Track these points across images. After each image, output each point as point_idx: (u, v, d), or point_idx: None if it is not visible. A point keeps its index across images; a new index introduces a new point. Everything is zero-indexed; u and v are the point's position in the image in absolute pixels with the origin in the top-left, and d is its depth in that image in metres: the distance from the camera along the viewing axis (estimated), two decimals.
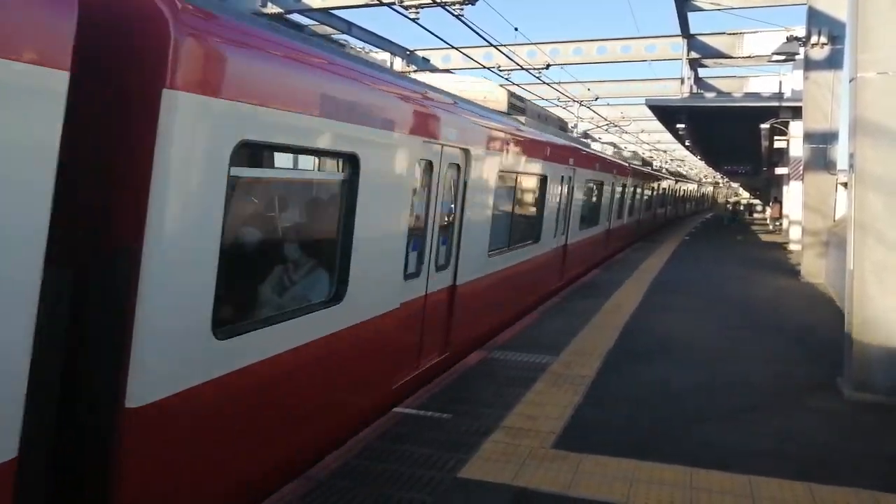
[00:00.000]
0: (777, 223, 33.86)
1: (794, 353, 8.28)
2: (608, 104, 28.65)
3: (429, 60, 19.99)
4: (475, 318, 8.17)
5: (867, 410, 6.17)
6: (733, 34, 20.99)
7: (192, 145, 3.55)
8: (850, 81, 6.87)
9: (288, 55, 4.37)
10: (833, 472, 4.77)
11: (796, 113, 18.25)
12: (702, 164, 57.03)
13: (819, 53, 14.16)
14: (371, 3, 12.19)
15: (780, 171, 26.54)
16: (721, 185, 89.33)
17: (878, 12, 6.57)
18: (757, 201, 68.63)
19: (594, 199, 16.32)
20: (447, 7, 9.71)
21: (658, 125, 29.46)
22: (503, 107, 9.74)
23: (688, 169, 59.65)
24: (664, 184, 33.89)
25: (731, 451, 5.09)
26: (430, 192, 6.66)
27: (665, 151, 46.28)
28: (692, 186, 58.82)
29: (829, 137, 14.58)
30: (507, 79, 16.48)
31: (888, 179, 6.46)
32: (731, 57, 21.58)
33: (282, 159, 4.79)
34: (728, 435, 5.45)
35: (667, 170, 42.36)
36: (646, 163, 30.02)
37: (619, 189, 19.17)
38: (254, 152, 4.23)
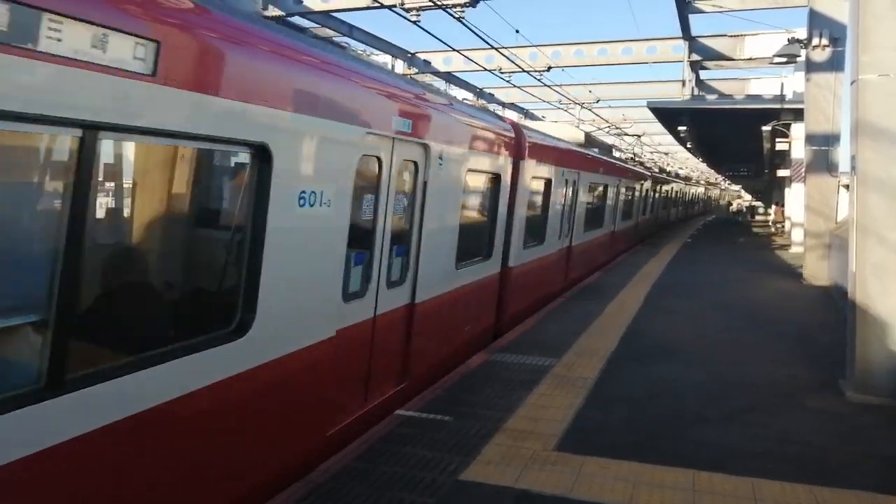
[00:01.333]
0: (779, 226, 33.84)
1: (796, 354, 8.27)
2: (609, 106, 28.60)
3: (430, 63, 20.00)
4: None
5: (869, 412, 6.17)
6: (734, 36, 20.96)
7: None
8: (852, 84, 6.87)
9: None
10: (835, 475, 4.77)
11: (798, 115, 18.25)
12: (703, 165, 56.50)
13: (820, 55, 14.17)
14: (372, 6, 12.20)
15: (782, 173, 26.53)
16: (723, 186, 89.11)
17: (879, 14, 6.57)
18: (759, 203, 68.65)
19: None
20: (448, 9, 9.71)
21: (660, 127, 29.40)
22: None
23: (690, 171, 57.67)
24: (642, 186, 24.77)
25: (734, 453, 5.09)
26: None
27: (640, 136, 31.33)
28: (684, 187, 48.25)
29: (831, 139, 14.57)
30: (507, 81, 16.50)
31: (890, 182, 6.45)
32: (732, 59, 21.56)
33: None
34: (730, 437, 5.45)
35: (645, 165, 29.99)
36: (591, 142, 17.33)
37: (526, 187, 10.03)
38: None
